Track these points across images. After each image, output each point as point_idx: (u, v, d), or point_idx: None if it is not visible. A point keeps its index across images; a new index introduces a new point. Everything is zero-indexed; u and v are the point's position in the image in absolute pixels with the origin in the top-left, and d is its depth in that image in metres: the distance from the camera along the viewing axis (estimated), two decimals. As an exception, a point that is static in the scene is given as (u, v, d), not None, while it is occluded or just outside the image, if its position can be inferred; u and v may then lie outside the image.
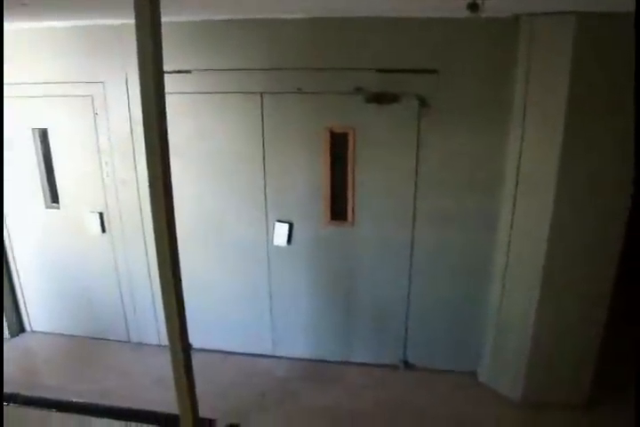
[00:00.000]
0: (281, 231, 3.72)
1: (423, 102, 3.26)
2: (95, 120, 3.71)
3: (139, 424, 3.37)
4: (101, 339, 4.36)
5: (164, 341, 3.03)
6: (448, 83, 3.20)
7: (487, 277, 3.57)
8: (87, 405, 3.54)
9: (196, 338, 3.55)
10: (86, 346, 4.32)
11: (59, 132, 3.82)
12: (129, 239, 3.99)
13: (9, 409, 3.44)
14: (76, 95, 3.67)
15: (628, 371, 3.74)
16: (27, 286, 4.42)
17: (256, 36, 3.30)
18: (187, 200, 3.67)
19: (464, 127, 3.27)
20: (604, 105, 2.84)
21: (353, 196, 3.56)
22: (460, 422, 3.37)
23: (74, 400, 3.57)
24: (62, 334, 4.45)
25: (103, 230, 4.01)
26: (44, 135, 3.89)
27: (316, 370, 3.96)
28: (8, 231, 4.23)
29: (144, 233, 3.89)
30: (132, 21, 2.08)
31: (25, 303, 4.49)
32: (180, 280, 2.73)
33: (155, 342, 4.23)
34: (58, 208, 4.05)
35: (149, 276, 4.00)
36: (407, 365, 3.95)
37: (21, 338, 4.48)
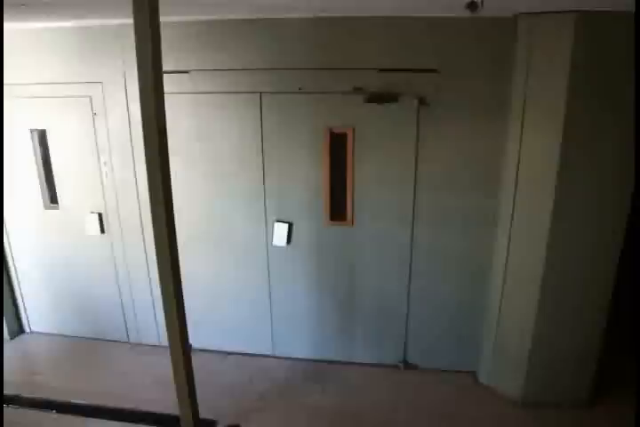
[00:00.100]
0: (280, 231, 3.72)
1: (423, 102, 3.25)
2: (94, 120, 3.70)
3: (139, 425, 3.37)
4: (101, 340, 4.35)
5: (164, 341, 3.03)
6: (447, 82, 3.19)
7: (487, 276, 3.57)
8: (87, 406, 3.54)
9: (195, 338, 3.56)
10: (86, 347, 4.31)
11: (57, 133, 3.81)
12: (128, 240, 3.98)
13: (9, 411, 3.44)
14: (74, 96, 3.66)
15: (629, 370, 3.75)
16: (26, 286, 4.41)
17: (255, 36, 3.30)
18: (185, 200, 3.67)
19: (463, 127, 3.27)
20: (603, 104, 2.83)
21: (352, 195, 3.56)
22: (461, 423, 3.36)
23: (73, 402, 3.57)
24: (62, 335, 4.45)
25: (102, 231, 4.00)
26: (42, 136, 3.88)
27: (316, 370, 3.95)
28: (7, 232, 4.23)
29: (143, 233, 3.89)
30: (130, 21, 2.08)
31: (24, 304, 4.48)
32: (180, 280, 2.74)
33: (154, 342, 4.22)
34: (57, 209, 4.05)
35: (149, 276, 4.00)
36: (407, 365, 3.94)
37: (21, 339, 4.47)
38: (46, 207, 4.08)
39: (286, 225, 3.70)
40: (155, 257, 2.58)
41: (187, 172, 3.63)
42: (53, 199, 4.05)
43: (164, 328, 2.80)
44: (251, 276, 3.92)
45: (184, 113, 3.53)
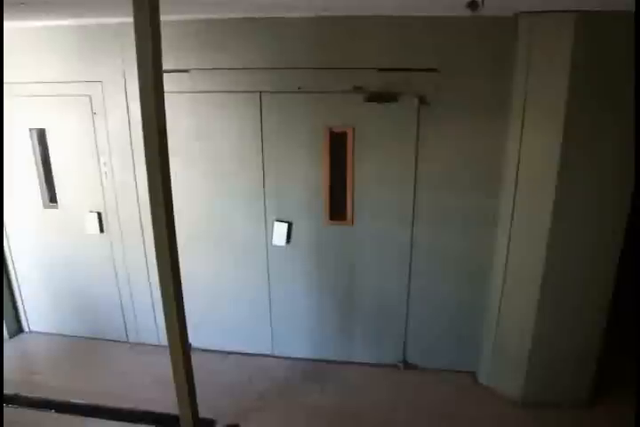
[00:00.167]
0: (280, 231, 3.71)
1: (423, 101, 3.25)
2: (93, 120, 3.69)
3: (138, 425, 3.37)
4: (100, 339, 4.35)
5: (164, 341, 3.03)
6: (448, 81, 3.19)
7: (487, 276, 3.56)
8: (86, 406, 3.53)
9: (195, 338, 3.56)
10: (85, 346, 4.30)
11: (57, 132, 3.80)
12: (128, 239, 3.97)
13: (9, 410, 3.43)
14: (74, 95, 3.66)
15: (629, 370, 3.75)
16: (25, 286, 4.41)
17: (256, 35, 3.29)
18: (185, 200, 3.66)
19: (464, 126, 3.27)
20: (604, 103, 2.83)
21: (352, 195, 3.56)
22: (461, 422, 3.36)
23: (73, 401, 3.56)
24: (61, 335, 4.44)
25: (101, 230, 4.00)
26: (42, 135, 3.88)
27: (315, 370, 3.95)
28: (6, 231, 4.22)
29: (143, 233, 3.89)
30: (130, 20, 2.08)
31: (23, 304, 4.47)
32: (180, 282, 2.73)
33: (154, 341, 4.22)
34: (56, 208, 4.04)
35: (148, 276, 3.99)
36: (407, 364, 3.94)
37: (20, 339, 4.47)
38: (45, 206, 4.07)
39: (286, 224, 3.69)
40: (154, 257, 2.58)
41: (186, 171, 3.62)
42: (53, 198, 4.05)
43: (164, 328, 2.79)
44: (250, 275, 3.92)
45: (183, 112, 3.52)
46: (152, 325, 4.17)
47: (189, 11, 3.01)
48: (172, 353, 2.85)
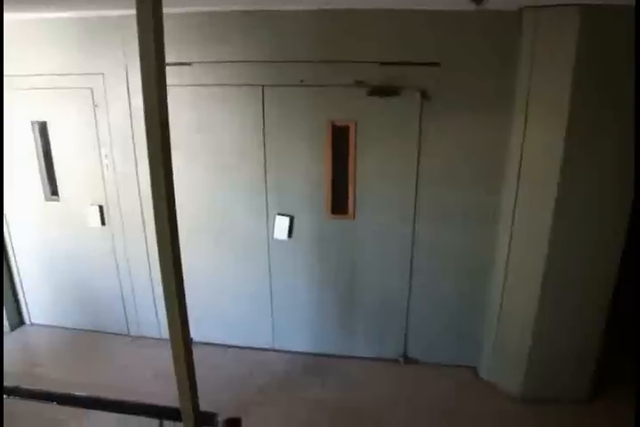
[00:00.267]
0: (282, 225, 3.71)
1: (425, 95, 3.23)
2: (95, 112, 3.68)
3: (139, 418, 3.37)
4: (101, 332, 4.36)
5: (165, 334, 3.02)
6: (450, 76, 3.17)
7: (488, 273, 3.56)
8: (87, 398, 3.54)
9: (196, 331, 3.56)
10: (86, 339, 4.32)
11: (58, 125, 3.79)
12: (129, 232, 3.97)
13: (9, 402, 3.43)
14: (75, 87, 3.64)
15: (629, 367, 3.75)
16: (26, 278, 4.42)
17: (258, 28, 3.27)
18: (186, 193, 3.65)
19: (466, 120, 3.25)
20: (607, 98, 2.81)
21: (354, 189, 3.55)
22: (461, 417, 3.37)
23: (74, 393, 3.57)
24: (62, 327, 4.45)
25: (103, 223, 4.00)
26: (43, 128, 3.87)
27: (316, 364, 3.96)
28: (7, 224, 4.22)
29: (144, 225, 3.88)
30: (132, 12, 2.06)
31: (24, 296, 4.49)
32: (182, 277, 2.72)
33: (155, 335, 4.23)
34: (58, 201, 4.04)
35: (150, 269, 3.99)
36: (408, 359, 3.95)
37: (21, 331, 4.48)
38: (47, 199, 4.07)
39: (287, 218, 3.69)
40: (156, 249, 2.58)
41: (188, 164, 3.62)
42: (54, 191, 4.05)
43: (165, 321, 2.79)
44: (251, 269, 3.92)
45: (185, 105, 3.51)
46: (153, 318, 4.18)
47: (192, 3, 2.99)
48: (173, 347, 2.84)
